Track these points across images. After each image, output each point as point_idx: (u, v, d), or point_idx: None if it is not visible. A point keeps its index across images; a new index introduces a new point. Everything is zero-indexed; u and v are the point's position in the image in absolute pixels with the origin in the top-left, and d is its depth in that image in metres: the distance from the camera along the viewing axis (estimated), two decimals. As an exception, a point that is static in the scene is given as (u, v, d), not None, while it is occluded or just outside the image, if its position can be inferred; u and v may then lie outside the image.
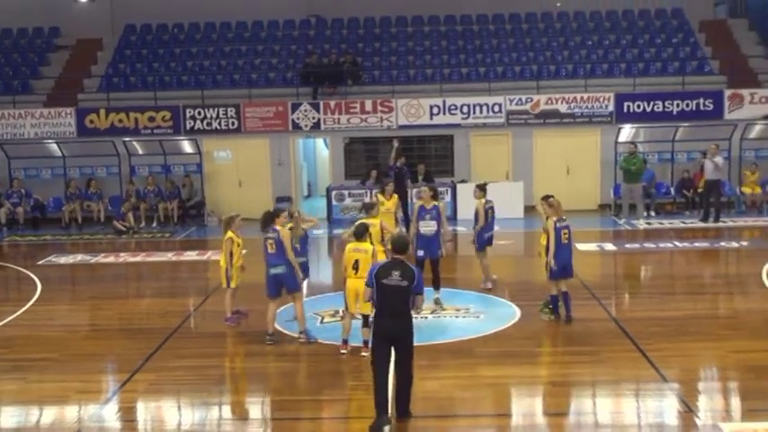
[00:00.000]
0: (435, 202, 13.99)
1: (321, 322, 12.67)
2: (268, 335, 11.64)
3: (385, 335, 8.58)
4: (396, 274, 8.60)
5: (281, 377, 10.46)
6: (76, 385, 10.26)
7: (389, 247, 10.14)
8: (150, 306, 14.73)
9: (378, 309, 8.72)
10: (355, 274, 10.81)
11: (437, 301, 13.15)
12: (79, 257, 19.34)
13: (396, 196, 15.44)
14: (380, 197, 15.16)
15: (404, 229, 16.72)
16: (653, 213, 22.68)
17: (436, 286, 13.33)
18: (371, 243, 11.37)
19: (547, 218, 12.54)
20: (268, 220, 11.76)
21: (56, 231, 23.18)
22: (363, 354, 10.81)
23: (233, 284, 12.67)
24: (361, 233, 10.99)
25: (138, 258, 19.15)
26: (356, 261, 10.80)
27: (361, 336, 11.08)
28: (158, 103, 25.15)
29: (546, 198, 12.63)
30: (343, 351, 10.99)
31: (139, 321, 13.54)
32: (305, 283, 12.85)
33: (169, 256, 19.16)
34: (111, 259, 18.99)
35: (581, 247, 17.85)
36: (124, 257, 19.20)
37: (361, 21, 29.20)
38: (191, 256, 19.11)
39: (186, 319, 13.45)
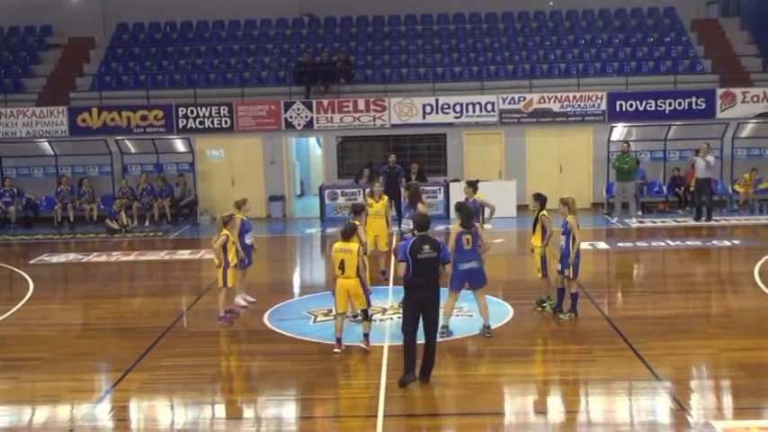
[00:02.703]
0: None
1: (314, 321, 12.69)
2: (443, 326, 11.34)
3: (417, 303, 9.68)
4: (426, 247, 9.69)
5: (274, 376, 10.44)
6: (69, 384, 10.23)
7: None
8: (143, 305, 14.69)
9: (411, 281, 9.66)
10: (341, 273, 10.83)
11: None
12: (71, 256, 19.30)
13: (385, 197, 15.37)
14: (369, 199, 15.14)
15: (396, 229, 16.76)
16: (639, 213, 22.72)
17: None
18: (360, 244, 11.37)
19: (538, 214, 12.66)
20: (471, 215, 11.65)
21: (48, 230, 23.12)
22: (363, 347, 10.86)
23: (230, 284, 12.67)
24: (348, 233, 10.97)
25: (131, 257, 19.10)
26: (342, 261, 10.80)
27: (348, 334, 11.10)
28: (151, 101, 25.11)
29: (539, 196, 12.71)
30: (336, 350, 10.97)
31: (132, 320, 13.49)
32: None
33: (162, 255, 19.12)
34: (103, 258, 18.94)
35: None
36: (116, 256, 19.16)
37: (353, 19, 29.19)
38: (183, 255, 19.08)
39: (179, 318, 13.42)
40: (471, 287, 11.51)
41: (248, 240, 13.56)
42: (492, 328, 11.71)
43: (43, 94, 26.23)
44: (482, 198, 14.74)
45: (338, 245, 10.96)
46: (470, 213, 11.44)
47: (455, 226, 11.39)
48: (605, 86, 24.87)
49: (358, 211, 12.82)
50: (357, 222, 12.02)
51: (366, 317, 10.99)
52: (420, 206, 13.95)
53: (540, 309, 12.82)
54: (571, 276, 12.25)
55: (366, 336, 10.98)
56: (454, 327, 11.99)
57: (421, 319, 9.73)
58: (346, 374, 10.38)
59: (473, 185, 14.84)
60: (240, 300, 13.55)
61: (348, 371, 10.49)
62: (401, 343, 9.91)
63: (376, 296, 13.22)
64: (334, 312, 11.39)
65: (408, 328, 9.75)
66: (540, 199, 12.73)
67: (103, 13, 29.46)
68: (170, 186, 24.20)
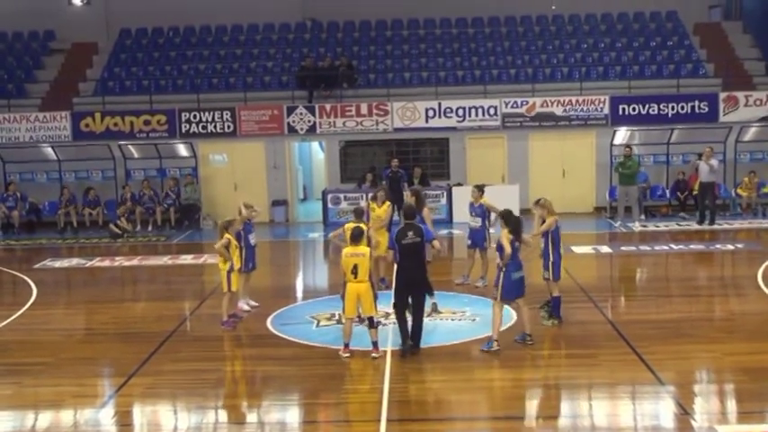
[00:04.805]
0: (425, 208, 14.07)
1: (317, 325, 12.68)
2: (528, 335, 11.41)
3: (406, 284, 10.97)
4: (410, 234, 10.95)
5: (277, 381, 10.44)
6: (72, 389, 10.23)
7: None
8: (146, 310, 14.70)
9: (399, 265, 11.01)
10: (354, 278, 10.78)
11: (434, 307, 13.01)
12: (75, 261, 19.31)
13: (387, 203, 14.95)
14: (372, 204, 15.06)
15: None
16: (642, 216, 22.69)
17: (430, 292, 13.21)
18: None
19: (543, 219, 12.57)
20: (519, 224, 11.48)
21: (51, 235, 23.14)
22: (374, 355, 10.83)
23: (233, 288, 12.66)
24: (357, 236, 10.97)
25: (134, 262, 19.11)
26: (355, 265, 10.77)
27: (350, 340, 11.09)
28: (154, 106, 25.14)
29: (537, 201, 12.69)
30: (346, 355, 10.94)
31: (135, 325, 13.49)
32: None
33: (165, 260, 19.14)
34: (106, 263, 18.95)
35: (577, 249, 17.92)
36: (120, 261, 19.17)
37: (356, 24, 29.23)
38: (186, 259, 19.09)
39: (182, 322, 13.41)
40: (518, 297, 11.37)
41: (252, 240, 13.58)
42: (492, 334, 11.69)
43: (46, 99, 26.29)
44: (489, 202, 14.78)
45: (349, 250, 10.91)
46: (520, 222, 11.31)
47: (506, 233, 11.04)
48: (608, 90, 24.88)
49: (359, 214, 12.85)
50: (363, 225, 12.00)
51: (372, 324, 10.97)
52: (426, 211, 13.90)
53: (546, 316, 12.76)
54: (551, 279, 12.21)
55: (375, 344, 10.94)
56: (454, 330, 12.00)
57: (410, 299, 10.96)
58: (349, 379, 10.36)
59: (481, 189, 14.91)
60: (243, 304, 13.55)
61: (351, 376, 10.47)
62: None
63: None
64: (342, 317, 11.37)
65: (398, 308, 10.95)
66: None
67: (106, 18, 29.50)
68: (178, 188, 24.20)
